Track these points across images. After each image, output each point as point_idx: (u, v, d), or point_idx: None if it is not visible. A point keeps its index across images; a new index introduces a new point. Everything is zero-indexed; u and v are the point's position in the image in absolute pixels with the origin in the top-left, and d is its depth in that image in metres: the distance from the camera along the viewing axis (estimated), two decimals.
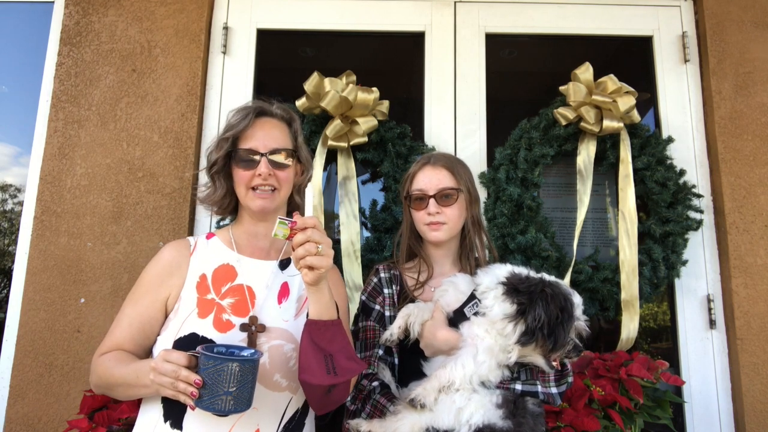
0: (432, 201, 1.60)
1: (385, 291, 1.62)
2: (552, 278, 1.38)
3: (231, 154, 1.49)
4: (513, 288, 1.33)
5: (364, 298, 1.65)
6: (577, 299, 1.34)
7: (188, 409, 1.31)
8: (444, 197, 1.60)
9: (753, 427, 2.11)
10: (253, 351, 1.25)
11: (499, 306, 1.32)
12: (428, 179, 1.63)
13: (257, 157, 1.45)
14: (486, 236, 1.81)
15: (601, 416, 1.76)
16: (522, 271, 1.40)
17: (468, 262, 1.66)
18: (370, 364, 1.52)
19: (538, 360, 1.34)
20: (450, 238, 1.64)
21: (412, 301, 1.57)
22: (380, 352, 1.53)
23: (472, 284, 1.44)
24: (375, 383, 1.46)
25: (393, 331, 1.49)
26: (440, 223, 1.60)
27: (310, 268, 1.18)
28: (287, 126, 1.56)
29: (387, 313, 1.58)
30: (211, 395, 1.14)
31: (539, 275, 1.38)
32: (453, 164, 1.66)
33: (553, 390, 1.40)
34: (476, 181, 2.31)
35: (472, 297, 1.41)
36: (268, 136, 1.48)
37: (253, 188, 1.46)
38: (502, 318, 1.31)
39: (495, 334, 1.32)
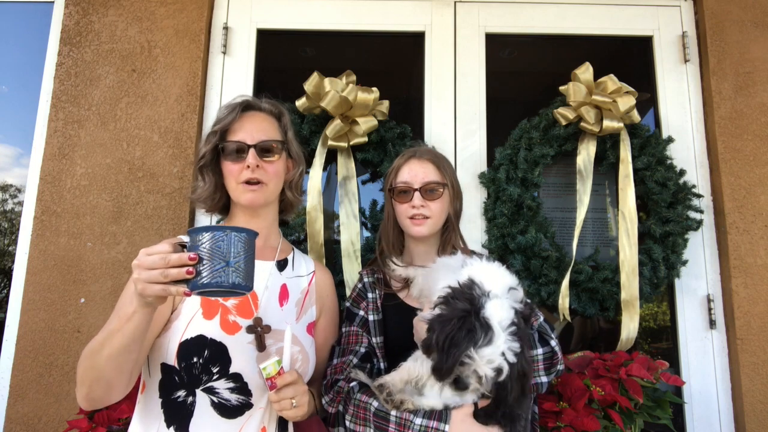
0: (417, 194, 1.59)
1: (369, 296, 1.62)
2: (491, 310, 1.21)
3: (219, 148, 1.48)
4: (447, 297, 1.26)
5: (348, 304, 1.66)
6: (487, 351, 1.18)
7: (195, 411, 1.29)
8: (429, 191, 1.60)
9: (753, 427, 2.11)
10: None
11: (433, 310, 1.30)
12: (414, 172, 1.62)
13: (245, 149, 1.44)
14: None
15: (601, 416, 1.76)
16: (486, 283, 1.27)
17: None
18: (343, 370, 1.51)
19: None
20: (432, 233, 1.63)
21: (399, 304, 1.58)
22: (355, 360, 1.52)
23: (444, 280, 1.37)
24: (353, 383, 1.45)
25: (396, 271, 1.59)
26: (424, 217, 1.59)
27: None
28: (276, 120, 1.56)
29: (371, 318, 1.58)
30: (211, 269, 1.00)
31: (479, 303, 1.22)
32: (438, 159, 1.67)
33: (543, 379, 1.41)
34: (476, 181, 2.33)
35: None
36: (256, 128, 1.47)
37: (243, 182, 1.45)
38: (422, 320, 1.30)
39: None
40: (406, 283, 1.61)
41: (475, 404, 1.29)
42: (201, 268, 1.01)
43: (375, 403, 1.36)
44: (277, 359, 1.24)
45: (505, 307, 1.23)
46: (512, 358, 1.19)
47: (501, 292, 1.26)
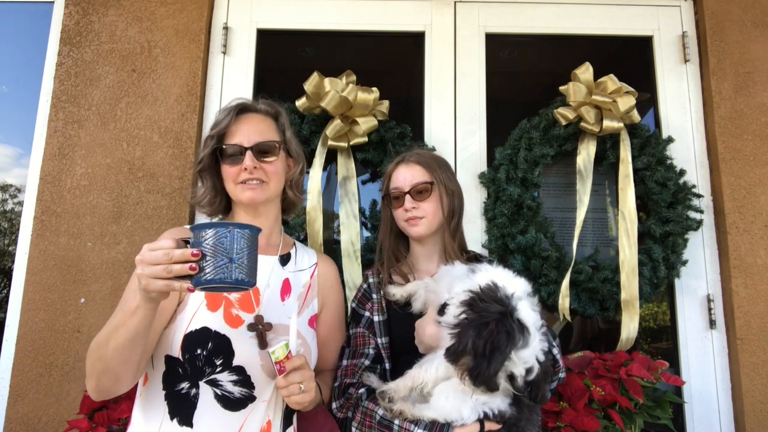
0: (407, 197, 1.62)
1: (374, 296, 1.63)
2: (522, 311, 1.22)
3: (217, 151, 1.49)
4: (472, 301, 1.24)
5: (354, 305, 1.66)
6: (526, 353, 1.19)
7: (199, 404, 1.29)
8: (418, 192, 1.62)
9: (753, 427, 2.11)
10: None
11: (452, 311, 1.27)
12: (402, 177, 1.66)
13: (242, 152, 1.45)
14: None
15: (601, 416, 1.76)
16: (508, 286, 1.26)
17: (461, 258, 1.64)
18: (354, 373, 1.52)
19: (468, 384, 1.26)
20: (430, 232, 1.64)
21: (400, 306, 1.58)
22: (366, 362, 1.53)
23: (460, 283, 1.38)
24: (361, 390, 1.46)
25: (397, 294, 1.56)
26: (417, 218, 1.62)
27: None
28: (273, 120, 1.56)
29: (376, 318, 1.59)
30: (214, 266, 1.02)
31: (510, 304, 1.22)
32: (426, 159, 1.68)
33: None
34: (476, 181, 2.33)
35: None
36: (252, 130, 1.48)
37: (242, 182, 1.46)
38: (444, 324, 1.27)
39: None
40: (409, 299, 1.59)
41: (481, 423, 1.27)
42: (204, 265, 1.02)
43: (380, 411, 1.37)
44: (284, 342, 1.24)
45: (532, 309, 1.25)
46: (542, 357, 1.22)
47: (524, 295, 1.27)
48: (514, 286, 1.28)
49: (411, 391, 1.33)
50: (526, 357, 1.19)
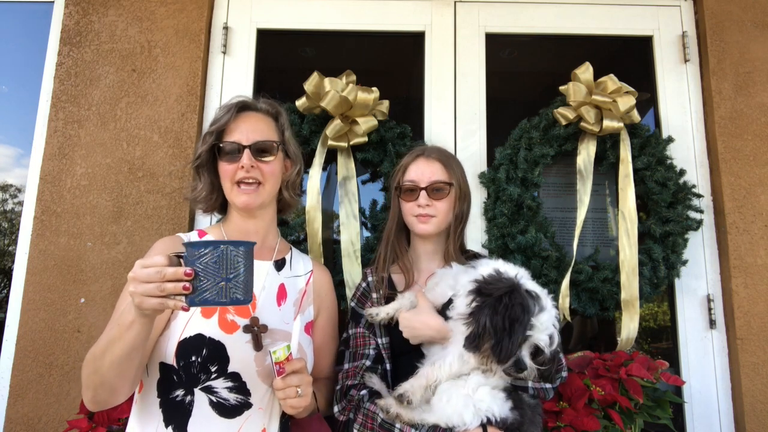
0: (423, 193, 1.60)
1: (373, 295, 1.61)
2: (528, 284, 1.27)
3: (215, 148, 1.48)
4: (479, 287, 1.27)
5: (353, 304, 1.65)
6: (544, 317, 1.21)
7: (194, 411, 1.29)
8: (435, 190, 1.60)
9: (753, 427, 2.11)
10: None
11: (461, 303, 1.29)
12: (421, 171, 1.63)
13: (240, 150, 1.44)
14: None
15: (601, 416, 1.76)
16: (510, 270, 1.31)
17: (461, 258, 1.64)
18: (356, 374, 1.50)
19: (495, 368, 1.27)
20: (437, 231, 1.63)
21: (385, 325, 1.56)
22: (368, 363, 1.52)
23: (465, 275, 1.40)
24: (363, 392, 1.45)
25: (380, 314, 1.51)
26: (429, 216, 1.59)
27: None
28: (273, 120, 1.55)
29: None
30: (209, 285, 1.01)
31: (516, 280, 1.26)
32: (446, 158, 1.66)
33: (547, 385, 1.41)
34: (476, 181, 2.33)
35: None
36: (252, 129, 1.47)
37: (238, 183, 1.45)
38: (457, 317, 1.28)
39: None
40: (392, 320, 1.54)
41: (484, 428, 1.26)
42: (198, 284, 1.01)
43: (381, 414, 1.37)
44: (287, 344, 1.24)
45: (538, 284, 1.28)
46: (557, 324, 1.24)
47: (527, 277, 1.31)
48: (516, 270, 1.32)
49: (426, 390, 1.33)
50: (545, 322, 1.20)
